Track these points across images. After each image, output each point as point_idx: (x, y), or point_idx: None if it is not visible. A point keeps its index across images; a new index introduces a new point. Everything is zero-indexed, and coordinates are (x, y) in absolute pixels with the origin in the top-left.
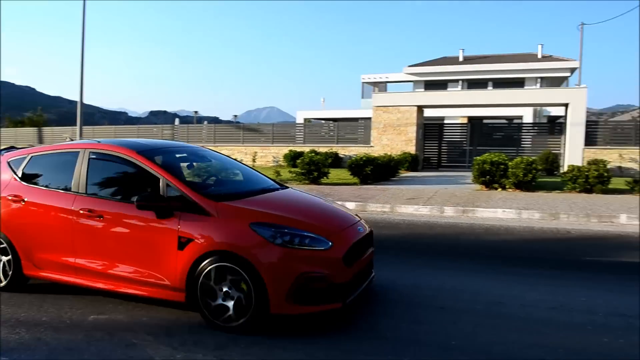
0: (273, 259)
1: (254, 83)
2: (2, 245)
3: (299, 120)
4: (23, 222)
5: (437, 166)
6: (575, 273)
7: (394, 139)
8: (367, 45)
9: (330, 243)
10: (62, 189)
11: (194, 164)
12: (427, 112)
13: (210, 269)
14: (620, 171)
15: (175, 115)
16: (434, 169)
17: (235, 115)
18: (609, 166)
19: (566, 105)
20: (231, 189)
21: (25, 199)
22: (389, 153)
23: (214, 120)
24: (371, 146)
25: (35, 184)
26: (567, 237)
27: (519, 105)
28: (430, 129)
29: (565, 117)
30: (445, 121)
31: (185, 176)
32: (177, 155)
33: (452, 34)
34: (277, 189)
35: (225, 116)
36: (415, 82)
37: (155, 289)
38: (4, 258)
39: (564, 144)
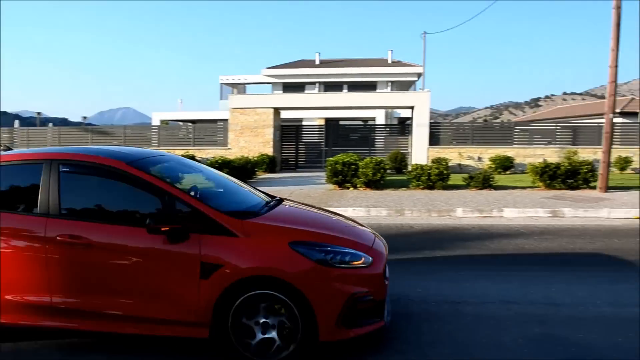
0: (322, 281)
1: (107, 82)
2: None
3: (155, 122)
4: None
5: (295, 167)
6: (411, 267)
7: (252, 141)
8: (226, 47)
9: (370, 259)
10: (21, 211)
11: (182, 175)
12: (286, 114)
13: (245, 298)
14: (460, 168)
15: (16, 116)
16: (291, 170)
17: (85, 117)
18: (450, 164)
19: (412, 107)
20: (242, 203)
21: None
22: (246, 155)
23: (62, 122)
24: (229, 148)
25: None
26: (410, 232)
27: (371, 107)
28: (287, 131)
29: (412, 118)
30: (303, 123)
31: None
32: (167, 165)
33: (310, 37)
34: (279, 203)
35: (76, 117)
36: (273, 84)
37: (169, 326)
38: None
39: (411, 144)
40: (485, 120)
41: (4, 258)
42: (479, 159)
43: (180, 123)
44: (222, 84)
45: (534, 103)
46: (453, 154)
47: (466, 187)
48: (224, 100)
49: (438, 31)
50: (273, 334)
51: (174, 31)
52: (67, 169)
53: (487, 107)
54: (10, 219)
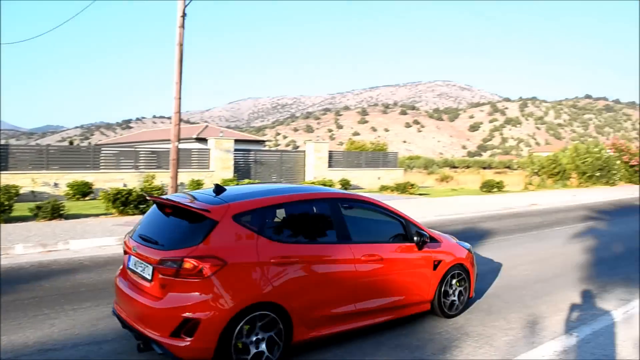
0: (471, 262)
1: None
2: (269, 317)
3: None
4: (300, 283)
5: None
6: None
7: None
8: None
9: None
10: (324, 241)
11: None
12: None
13: (453, 275)
14: (34, 196)
15: None
16: None
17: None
18: (23, 191)
19: None
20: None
21: (295, 259)
22: None
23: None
24: None
25: (284, 239)
26: None
27: None
28: None
29: None
30: None
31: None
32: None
33: None
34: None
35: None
36: None
37: (411, 307)
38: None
39: None
40: (70, 143)
41: (319, 280)
42: (56, 185)
43: None
44: None
45: (126, 125)
46: (26, 180)
47: (33, 218)
48: None
49: (15, 41)
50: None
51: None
52: (346, 205)
53: (77, 127)
54: (315, 248)
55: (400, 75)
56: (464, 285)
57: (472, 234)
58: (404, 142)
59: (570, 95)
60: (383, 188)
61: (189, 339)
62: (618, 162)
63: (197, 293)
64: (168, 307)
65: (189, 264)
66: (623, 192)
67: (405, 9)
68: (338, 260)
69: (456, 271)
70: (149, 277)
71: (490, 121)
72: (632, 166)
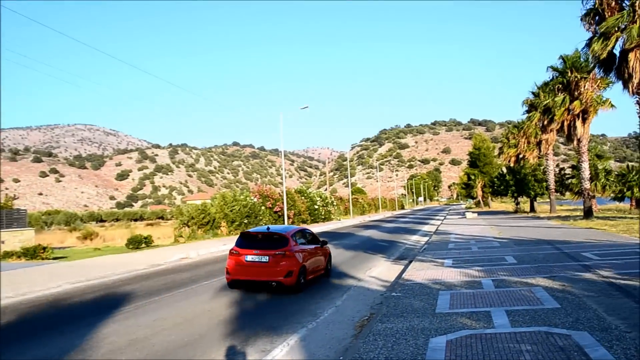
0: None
1: None
2: (303, 268)
3: None
4: (307, 258)
5: None
6: None
7: None
8: None
9: None
10: (307, 244)
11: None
12: None
13: (329, 259)
14: None
15: None
16: None
17: None
18: None
19: None
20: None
21: (304, 249)
22: None
23: None
24: None
25: (300, 243)
26: None
27: None
28: None
29: None
30: None
31: None
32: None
33: None
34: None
35: None
36: None
37: (321, 271)
38: None
39: None
40: None
41: (310, 256)
42: None
43: None
44: None
45: None
46: None
47: None
48: None
49: None
50: None
51: None
52: (308, 232)
53: None
54: (307, 247)
55: (31, 115)
56: (331, 262)
57: (114, 300)
58: (40, 194)
59: (219, 142)
60: (6, 255)
61: (289, 278)
62: (263, 208)
63: (288, 262)
64: (281, 268)
65: (287, 252)
66: None
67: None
68: (311, 251)
69: (329, 256)
70: (267, 260)
71: (140, 169)
72: (275, 212)
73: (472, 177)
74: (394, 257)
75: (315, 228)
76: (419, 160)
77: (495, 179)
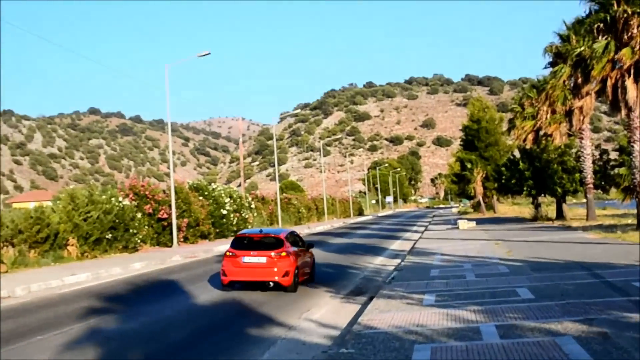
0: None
1: None
2: (296, 269)
3: None
4: (299, 259)
5: None
6: None
7: None
8: None
9: None
10: (299, 247)
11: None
12: None
13: (314, 262)
14: None
15: None
16: None
17: None
18: None
19: None
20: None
21: (297, 251)
22: None
23: None
24: None
25: (293, 245)
26: None
27: None
28: None
29: None
30: None
31: None
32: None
33: None
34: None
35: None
36: None
37: (309, 273)
38: None
39: None
40: None
41: (300, 258)
42: None
43: None
44: None
45: None
46: None
47: None
48: None
49: None
50: None
51: None
52: (295, 234)
53: None
54: (299, 249)
55: None
56: (315, 267)
57: None
58: None
59: (67, 109)
60: None
61: (286, 277)
62: (139, 214)
63: (285, 263)
64: (279, 268)
65: (284, 252)
66: (148, 262)
67: None
68: (302, 252)
69: (314, 261)
70: (264, 261)
71: None
72: (160, 220)
73: (469, 166)
74: (346, 291)
75: (223, 247)
76: (386, 139)
77: (504, 168)
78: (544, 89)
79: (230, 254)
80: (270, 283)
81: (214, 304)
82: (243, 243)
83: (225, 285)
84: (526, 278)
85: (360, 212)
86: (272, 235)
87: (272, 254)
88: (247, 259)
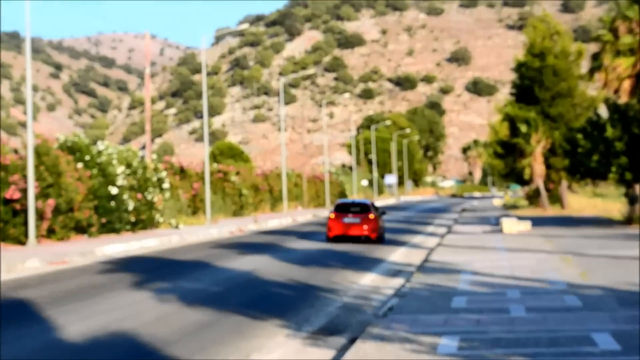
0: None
1: None
2: (383, 228)
3: None
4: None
5: None
6: None
7: None
8: None
9: None
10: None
11: None
12: None
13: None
14: None
15: None
16: None
17: None
18: None
19: None
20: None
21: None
22: None
23: None
24: None
25: (379, 212)
26: None
27: None
28: None
29: None
30: None
31: None
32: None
33: None
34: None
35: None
36: None
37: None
38: None
39: None
40: None
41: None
42: None
43: None
44: None
45: None
46: None
47: None
48: None
49: None
50: None
51: None
52: (370, 204)
53: None
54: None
55: None
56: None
57: None
58: None
59: None
60: None
61: (374, 233)
62: None
63: (373, 223)
64: (369, 226)
65: (371, 215)
66: None
67: None
68: (379, 217)
69: (384, 224)
70: (358, 222)
71: None
72: (8, 201)
73: (524, 129)
74: (313, 327)
75: (113, 248)
76: (389, 80)
77: (580, 136)
78: None
79: (333, 216)
80: (363, 237)
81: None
82: (343, 208)
83: (330, 239)
84: (609, 317)
85: (341, 197)
86: (362, 203)
87: (363, 215)
88: (347, 220)
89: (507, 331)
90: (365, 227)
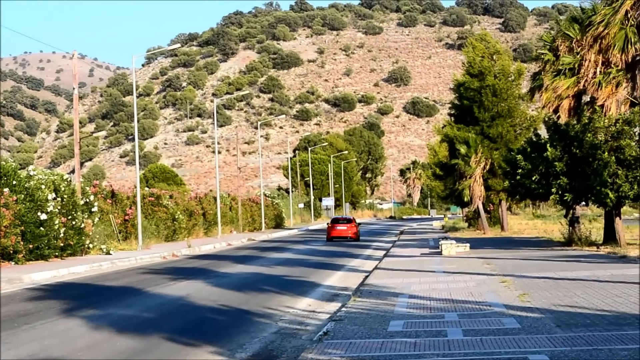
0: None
1: None
2: (359, 234)
3: None
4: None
5: None
6: None
7: None
8: None
9: None
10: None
11: None
12: None
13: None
14: None
15: None
16: None
17: None
18: None
19: None
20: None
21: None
22: None
23: None
24: None
25: (356, 224)
26: None
27: None
28: None
29: None
30: None
31: None
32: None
33: None
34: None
35: None
36: None
37: (358, 235)
38: None
39: None
40: None
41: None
42: None
43: None
44: None
45: None
46: None
47: None
48: None
49: None
50: None
51: None
52: (352, 218)
53: None
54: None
55: None
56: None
57: None
58: None
59: None
60: None
61: (355, 235)
62: None
63: (354, 229)
64: (352, 231)
65: (353, 224)
66: None
67: None
68: (357, 225)
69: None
70: (345, 228)
71: None
72: None
73: (463, 150)
74: (246, 354)
75: (44, 276)
76: (326, 101)
77: (520, 157)
78: (591, 23)
79: (330, 225)
80: (349, 237)
81: None
82: (335, 221)
83: (328, 240)
84: (547, 339)
85: (278, 223)
86: (348, 218)
87: (349, 224)
88: (338, 227)
89: (443, 355)
90: (349, 231)
